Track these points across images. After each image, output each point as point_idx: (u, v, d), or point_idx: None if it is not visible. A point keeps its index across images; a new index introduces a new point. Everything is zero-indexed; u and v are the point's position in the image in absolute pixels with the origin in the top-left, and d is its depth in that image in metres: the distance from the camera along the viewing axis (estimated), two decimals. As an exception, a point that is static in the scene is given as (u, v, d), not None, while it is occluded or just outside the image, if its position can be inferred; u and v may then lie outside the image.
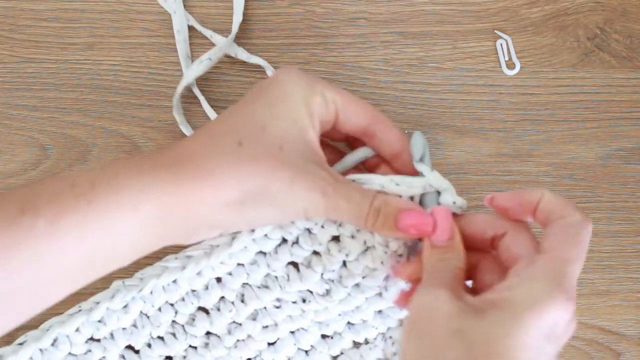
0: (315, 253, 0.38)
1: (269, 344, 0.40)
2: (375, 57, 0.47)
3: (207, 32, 0.47)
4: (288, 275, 0.38)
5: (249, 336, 0.40)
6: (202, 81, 0.47)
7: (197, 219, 0.33)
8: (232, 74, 0.47)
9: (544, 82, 0.47)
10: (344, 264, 0.38)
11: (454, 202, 0.36)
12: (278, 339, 0.40)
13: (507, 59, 0.47)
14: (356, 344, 0.41)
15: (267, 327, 0.40)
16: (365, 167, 0.40)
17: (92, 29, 0.48)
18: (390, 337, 0.40)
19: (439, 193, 0.36)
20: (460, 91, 0.47)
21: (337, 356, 0.41)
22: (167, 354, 0.40)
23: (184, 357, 0.40)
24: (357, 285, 0.38)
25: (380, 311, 0.40)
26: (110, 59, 0.47)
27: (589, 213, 0.46)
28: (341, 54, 0.47)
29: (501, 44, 0.47)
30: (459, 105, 0.47)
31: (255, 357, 0.40)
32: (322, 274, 0.38)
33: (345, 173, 0.38)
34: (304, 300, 0.39)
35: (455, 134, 0.46)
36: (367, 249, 0.37)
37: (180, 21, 0.47)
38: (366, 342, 0.40)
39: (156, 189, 0.31)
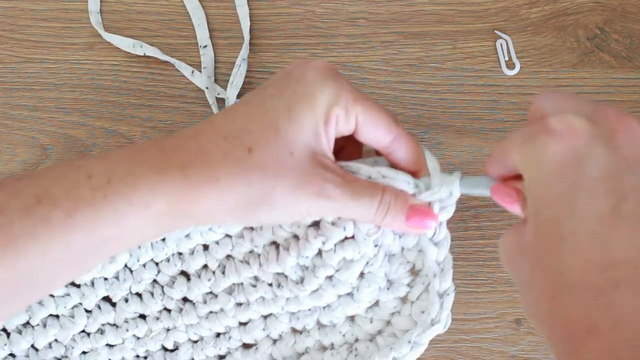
0: (296, 237, 0.38)
1: (240, 323, 0.41)
2: (375, 57, 0.47)
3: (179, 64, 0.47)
4: (268, 254, 0.38)
5: (221, 310, 0.40)
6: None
7: (202, 218, 0.34)
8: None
9: (544, 82, 0.47)
10: (319, 253, 0.37)
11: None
12: (249, 320, 0.40)
13: (507, 59, 0.47)
14: (322, 347, 0.40)
15: (240, 304, 0.40)
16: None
17: (92, 29, 0.48)
18: (356, 349, 0.39)
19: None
20: (460, 91, 0.47)
21: (302, 354, 0.41)
22: (142, 312, 0.41)
23: (157, 318, 0.41)
24: (329, 277, 0.38)
25: (352, 318, 0.40)
26: (110, 59, 0.47)
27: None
28: (341, 54, 0.47)
29: (501, 44, 0.47)
30: (459, 105, 0.47)
31: (224, 333, 0.41)
32: (297, 260, 0.37)
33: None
34: (278, 285, 0.38)
35: (455, 134, 0.46)
36: (346, 239, 0.37)
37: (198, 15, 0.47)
38: (332, 347, 0.40)
39: (168, 189, 0.32)
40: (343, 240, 0.37)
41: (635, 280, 0.25)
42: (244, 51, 0.46)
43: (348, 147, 0.38)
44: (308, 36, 0.48)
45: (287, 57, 0.47)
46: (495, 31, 0.48)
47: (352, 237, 0.37)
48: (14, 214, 0.30)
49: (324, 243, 0.37)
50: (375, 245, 0.37)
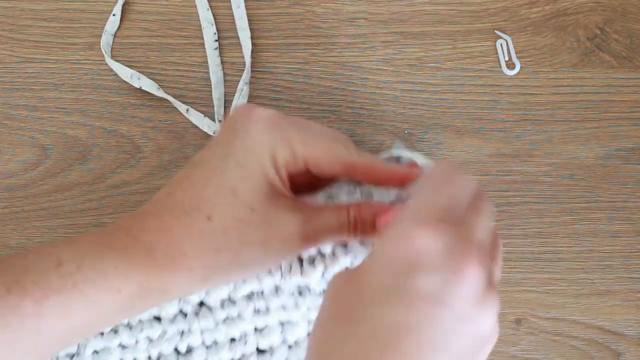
0: (321, 254, 0.38)
1: (256, 329, 0.40)
2: (375, 57, 0.47)
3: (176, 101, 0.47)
4: (291, 266, 0.38)
5: (239, 315, 0.40)
6: (203, 81, 0.47)
7: (177, 293, 0.35)
8: (232, 74, 0.47)
9: (544, 82, 0.47)
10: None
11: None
12: (266, 325, 0.40)
13: (507, 59, 0.47)
14: None
15: (259, 311, 0.40)
16: None
17: (92, 29, 0.48)
18: None
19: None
20: (460, 91, 0.47)
21: None
22: (157, 315, 0.41)
23: (172, 320, 0.41)
24: None
25: None
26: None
27: (589, 213, 0.46)
28: (341, 54, 0.47)
29: (501, 44, 0.47)
30: (459, 105, 0.47)
31: (240, 339, 0.41)
32: (323, 273, 0.38)
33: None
34: (300, 293, 0.39)
35: (455, 134, 0.46)
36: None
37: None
38: None
39: (139, 273, 0.32)
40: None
41: None
42: (246, 75, 0.46)
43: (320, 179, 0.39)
44: (308, 36, 0.48)
45: (287, 57, 0.47)
46: (495, 31, 0.48)
47: None
48: None
49: (352, 263, 0.37)
50: None
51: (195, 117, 0.46)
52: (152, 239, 0.33)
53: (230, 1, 0.48)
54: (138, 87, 0.46)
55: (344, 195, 0.37)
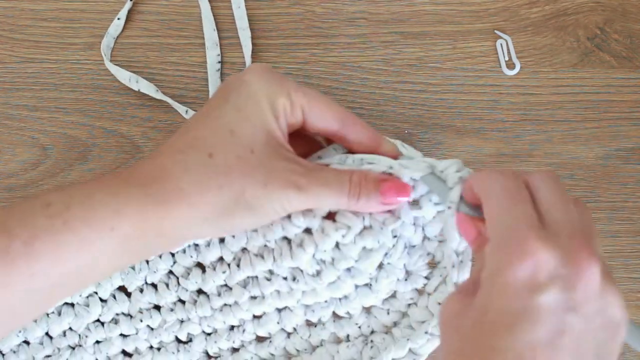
0: (307, 231, 0.37)
1: (254, 316, 0.41)
2: (375, 57, 0.47)
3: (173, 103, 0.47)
4: (281, 250, 0.38)
5: (235, 302, 0.40)
6: (203, 81, 0.47)
7: (175, 234, 0.33)
8: (232, 74, 0.47)
9: (544, 82, 0.47)
10: (337, 245, 0.37)
11: (460, 177, 0.35)
12: (264, 313, 0.40)
13: (507, 59, 0.47)
14: (337, 339, 0.41)
15: (255, 298, 0.40)
16: None
17: (92, 29, 0.48)
18: (372, 341, 0.39)
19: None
20: (460, 91, 0.47)
21: (317, 346, 0.41)
22: (156, 303, 0.41)
23: (171, 309, 0.41)
24: (348, 269, 0.38)
25: (368, 310, 0.40)
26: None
27: (589, 213, 0.46)
28: (341, 54, 0.47)
29: (501, 44, 0.47)
30: (459, 105, 0.47)
31: (238, 326, 0.41)
32: (313, 254, 0.37)
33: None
34: (294, 278, 0.38)
35: (455, 134, 0.46)
36: (365, 228, 0.37)
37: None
38: (347, 338, 0.40)
39: (131, 209, 0.31)
40: (361, 231, 0.37)
41: None
42: None
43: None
44: (308, 36, 0.48)
45: (287, 57, 0.47)
46: (495, 31, 0.48)
47: (370, 227, 0.37)
48: None
49: (343, 236, 0.36)
50: (394, 236, 0.37)
51: None
52: (144, 178, 0.31)
53: (230, 1, 0.48)
54: (137, 89, 0.46)
55: (335, 161, 0.37)
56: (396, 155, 0.37)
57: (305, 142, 0.39)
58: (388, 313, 0.39)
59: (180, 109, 0.46)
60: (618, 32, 0.48)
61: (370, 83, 0.47)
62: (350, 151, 0.38)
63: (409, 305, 0.39)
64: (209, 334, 0.41)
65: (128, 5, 0.47)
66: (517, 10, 0.48)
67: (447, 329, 0.31)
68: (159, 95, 0.45)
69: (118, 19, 0.47)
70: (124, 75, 0.46)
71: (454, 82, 0.47)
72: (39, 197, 0.31)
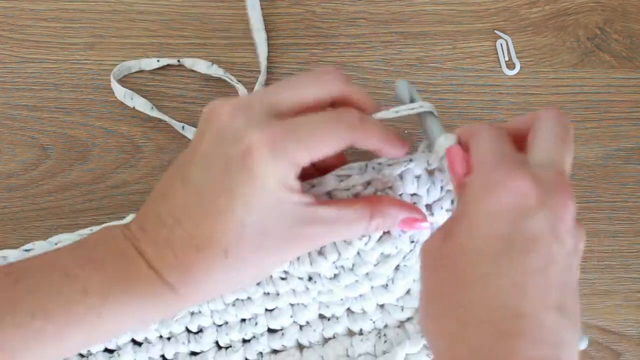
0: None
1: (267, 309, 0.41)
2: (375, 57, 0.47)
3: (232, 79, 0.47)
4: (299, 256, 0.38)
5: (248, 298, 0.40)
6: (203, 81, 0.47)
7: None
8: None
9: (544, 82, 0.47)
10: (357, 252, 0.37)
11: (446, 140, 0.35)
12: (276, 307, 0.40)
13: (507, 59, 0.47)
14: (350, 332, 0.41)
15: (268, 294, 0.40)
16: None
17: (92, 29, 0.48)
18: (385, 335, 0.40)
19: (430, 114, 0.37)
20: (460, 91, 0.47)
21: (329, 338, 0.41)
22: None
23: None
24: (367, 273, 0.38)
25: (382, 305, 0.40)
26: (110, 59, 0.47)
27: (589, 213, 0.46)
28: (341, 54, 0.47)
29: (501, 44, 0.47)
30: (459, 105, 0.47)
31: (250, 319, 0.41)
32: (334, 262, 0.37)
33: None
34: (310, 279, 0.38)
35: (455, 134, 0.46)
36: (384, 233, 0.37)
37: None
38: (360, 332, 0.40)
39: (161, 308, 0.34)
40: (380, 237, 0.37)
41: (535, 334, 0.28)
42: (262, 77, 0.46)
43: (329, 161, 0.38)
44: (308, 36, 0.48)
45: (287, 57, 0.47)
46: (495, 31, 0.48)
47: (389, 232, 0.37)
48: (9, 329, 0.31)
49: (366, 244, 0.37)
50: (412, 242, 0.38)
51: (192, 134, 0.46)
52: (174, 280, 0.33)
53: (245, 1, 0.48)
54: (131, 107, 0.45)
55: (355, 173, 0.36)
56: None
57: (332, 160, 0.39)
58: (402, 310, 0.40)
59: (177, 125, 0.45)
60: (618, 32, 0.48)
61: (370, 83, 0.47)
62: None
63: None
64: (219, 326, 0.41)
65: (166, 61, 0.47)
66: (517, 10, 0.48)
67: (427, 266, 0.32)
68: (154, 113, 0.45)
69: (157, 60, 0.47)
70: (119, 91, 0.46)
71: (454, 82, 0.47)
72: (77, 277, 0.33)
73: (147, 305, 0.33)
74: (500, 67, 0.47)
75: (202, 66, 0.46)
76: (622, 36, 0.48)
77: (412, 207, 0.37)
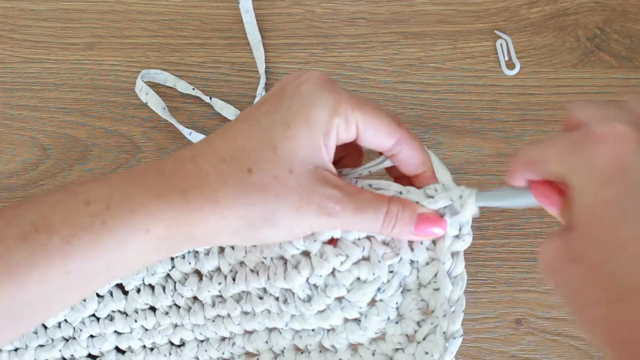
0: (305, 254, 0.37)
1: (245, 331, 0.41)
2: (375, 57, 0.47)
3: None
4: (276, 269, 0.38)
5: (228, 315, 0.40)
6: (203, 81, 0.47)
7: (203, 240, 0.34)
8: (232, 74, 0.47)
9: (544, 82, 0.47)
10: (332, 272, 0.36)
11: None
12: (254, 330, 0.40)
13: (507, 59, 0.47)
14: None
15: (247, 313, 0.40)
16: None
17: (92, 29, 0.48)
18: None
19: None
20: (460, 91, 0.47)
21: None
22: (152, 304, 0.41)
23: (166, 313, 0.41)
24: (339, 299, 0.37)
25: (354, 348, 0.39)
26: (110, 59, 0.47)
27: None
28: (341, 54, 0.47)
29: (501, 44, 0.47)
30: (459, 105, 0.47)
31: (229, 339, 0.41)
32: (307, 278, 0.37)
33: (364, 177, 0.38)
34: (285, 300, 0.38)
35: (455, 134, 0.46)
36: (363, 258, 0.36)
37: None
38: None
39: (168, 213, 0.32)
40: (358, 261, 0.36)
41: None
42: (262, 81, 0.46)
43: (349, 155, 0.38)
44: (308, 36, 0.48)
45: (287, 57, 0.47)
46: (495, 31, 0.48)
47: (368, 258, 0.36)
48: (11, 242, 0.30)
49: (342, 263, 0.36)
50: (390, 271, 0.36)
51: (198, 139, 0.45)
52: (185, 182, 0.32)
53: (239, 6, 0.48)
54: (145, 102, 0.45)
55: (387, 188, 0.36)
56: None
57: (353, 154, 0.39)
58: (373, 354, 0.38)
59: (185, 131, 0.45)
60: (618, 32, 0.48)
61: (370, 83, 0.47)
62: (397, 170, 0.37)
63: (396, 350, 0.38)
64: (201, 341, 0.41)
65: (199, 94, 0.46)
66: (517, 10, 0.48)
67: (555, 273, 0.30)
68: (165, 115, 0.45)
69: (193, 89, 0.46)
70: (138, 83, 0.45)
71: (454, 82, 0.47)
72: (79, 192, 0.32)
73: (153, 211, 0.31)
74: (500, 67, 0.47)
75: (230, 112, 0.46)
76: (622, 36, 0.48)
77: (432, 211, 0.35)
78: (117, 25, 0.48)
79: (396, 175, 0.38)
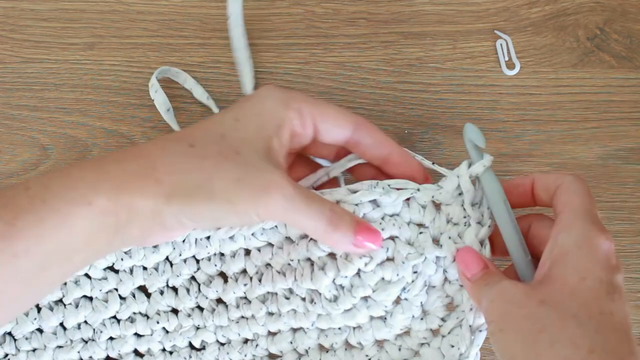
0: (332, 255, 0.38)
1: (269, 332, 0.41)
2: (375, 57, 0.47)
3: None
4: (303, 270, 0.38)
5: (252, 316, 0.40)
6: (203, 81, 0.47)
7: (145, 214, 0.32)
8: (232, 74, 0.47)
9: (544, 82, 0.47)
10: (358, 273, 0.38)
11: (484, 165, 0.38)
12: (278, 330, 0.40)
13: (507, 59, 0.47)
14: None
15: (272, 314, 0.40)
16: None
17: (92, 29, 0.48)
18: None
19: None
20: (460, 91, 0.47)
21: None
22: (175, 307, 0.41)
23: (189, 315, 0.41)
24: (365, 298, 0.38)
25: (379, 343, 0.39)
26: (110, 59, 0.47)
27: (589, 213, 0.46)
28: (341, 54, 0.47)
29: (501, 44, 0.47)
30: (459, 105, 0.47)
31: (252, 340, 0.41)
32: (334, 279, 0.38)
33: (327, 184, 0.40)
34: (311, 300, 0.38)
35: (455, 134, 0.46)
36: (387, 259, 0.38)
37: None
38: None
39: (108, 183, 0.31)
40: (382, 262, 0.37)
41: None
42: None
43: (296, 166, 0.39)
44: (308, 36, 0.48)
45: (287, 57, 0.47)
46: (495, 31, 0.48)
47: (392, 259, 0.37)
48: None
49: (366, 264, 0.37)
50: (415, 272, 0.37)
51: None
52: (123, 155, 0.32)
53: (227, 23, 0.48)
54: (152, 98, 0.45)
55: (365, 187, 0.37)
56: (407, 164, 0.38)
57: (307, 167, 0.39)
58: (399, 349, 0.39)
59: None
60: (618, 32, 0.48)
61: (370, 83, 0.47)
62: (363, 158, 0.39)
63: (422, 344, 0.39)
64: (222, 344, 0.41)
65: (212, 104, 0.46)
66: (517, 10, 0.48)
67: (512, 325, 0.32)
68: (168, 116, 0.45)
69: (207, 98, 0.46)
70: (152, 83, 0.45)
71: (454, 82, 0.47)
72: (19, 183, 0.32)
73: (92, 182, 0.31)
74: (500, 67, 0.47)
75: None
76: (622, 36, 0.48)
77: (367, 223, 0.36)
78: (117, 25, 0.48)
79: (364, 177, 0.39)
